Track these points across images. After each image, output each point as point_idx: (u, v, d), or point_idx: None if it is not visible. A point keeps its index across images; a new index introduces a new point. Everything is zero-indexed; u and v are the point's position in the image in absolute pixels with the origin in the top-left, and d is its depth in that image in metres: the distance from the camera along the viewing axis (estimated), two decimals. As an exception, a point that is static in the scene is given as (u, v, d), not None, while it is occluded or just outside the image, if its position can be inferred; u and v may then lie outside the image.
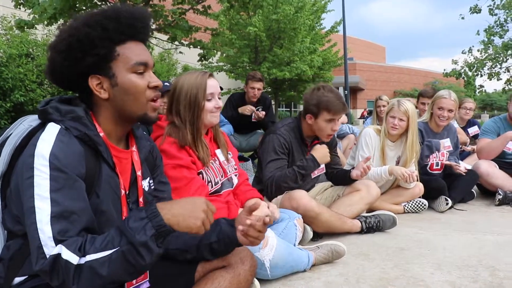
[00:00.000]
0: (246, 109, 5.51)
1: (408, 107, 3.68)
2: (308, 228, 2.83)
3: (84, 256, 1.19)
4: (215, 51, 8.43)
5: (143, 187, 1.56)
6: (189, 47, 7.87)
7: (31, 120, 1.44)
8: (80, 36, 1.34)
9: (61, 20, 6.06)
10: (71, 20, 1.40)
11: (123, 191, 1.48)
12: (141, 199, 1.55)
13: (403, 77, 46.57)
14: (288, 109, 34.01)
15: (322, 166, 3.29)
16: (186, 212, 1.28)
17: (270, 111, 6.05)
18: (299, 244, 2.68)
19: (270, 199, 3.04)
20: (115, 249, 1.20)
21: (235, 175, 2.54)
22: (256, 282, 2.00)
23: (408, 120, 3.67)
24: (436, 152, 4.13)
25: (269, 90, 18.52)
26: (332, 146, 3.46)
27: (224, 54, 14.57)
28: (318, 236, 3.01)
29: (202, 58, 8.31)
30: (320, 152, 3.09)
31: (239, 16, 15.46)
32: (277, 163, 3.08)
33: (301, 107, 37.07)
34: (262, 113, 5.62)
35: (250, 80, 5.73)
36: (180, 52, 8.85)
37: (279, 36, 15.94)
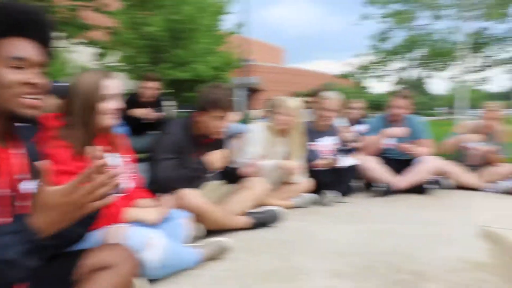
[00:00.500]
0: (140, 113, 5.44)
1: (293, 104, 3.89)
2: (197, 226, 2.88)
3: None
4: (113, 51, 8.20)
5: (24, 190, 1.49)
6: (85, 46, 7.58)
7: None
8: None
9: None
10: None
11: (4, 191, 1.41)
12: (28, 202, 1.48)
13: (301, 78, 48.02)
14: (188, 110, 33.85)
15: None
16: (60, 213, 1.22)
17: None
18: (188, 242, 2.71)
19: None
20: None
21: (129, 180, 2.51)
22: (144, 282, 2.01)
23: (293, 116, 3.86)
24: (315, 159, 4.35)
25: (169, 91, 18.29)
26: (223, 146, 3.54)
27: (122, 54, 14.19)
28: (208, 233, 3.06)
29: (99, 58, 8.04)
30: (213, 157, 3.15)
31: (138, 15, 15.10)
32: (168, 163, 3.09)
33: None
34: (157, 115, 5.58)
35: (145, 80, 5.68)
36: (74, 51, 8.48)
37: (179, 36, 15.81)
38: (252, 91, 37.29)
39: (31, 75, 1.41)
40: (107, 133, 2.41)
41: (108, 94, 2.26)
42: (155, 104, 5.82)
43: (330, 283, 2.27)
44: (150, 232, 2.20)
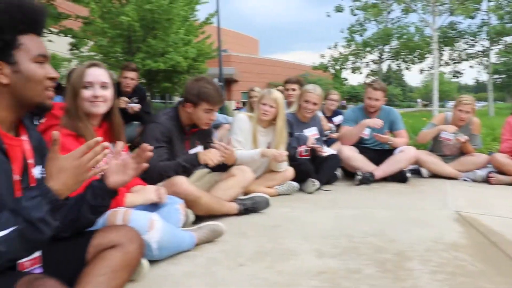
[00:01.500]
0: (120, 102, 5.49)
1: (277, 95, 4.05)
2: (189, 211, 3.00)
3: None
4: (86, 41, 8.18)
5: (35, 174, 1.61)
6: (59, 35, 7.55)
7: None
8: None
9: None
10: None
11: (16, 177, 1.52)
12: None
13: (276, 69, 48.32)
14: (163, 101, 33.62)
15: None
16: (72, 176, 1.39)
17: (146, 103, 6.09)
18: (182, 227, 2.83)
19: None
20: (12, 228, 1.26)
21: None
22: (145, 262, 2.14)
23: (277, 107, 4.02)
24: (303, 145, 4.51)
25: (144, 81, 18.18)
26: (209, 135, 3.69)
27: (95, 44, 14.03)
28: (199, 219, 3.19)
29: (73, 48, 8.01)
30: (205, 155, 3.28)
31: (111, 4, 14.94)
32: (158, 151, 3.20)
33: (175, 98, 36.56)
34: (137, 106, 5.65)
35: (123, 70, 5.75)
36: (49, 41, 8.42)
37: (153, 26, 15.68)
38: (228, 81, 37.28)
39: (50, 70, 1.56)
40: (107, 122, 2.52)
41: (89, 82, 2.40)
42: (134, 94, 5.89)
43: (319, 262, 2.44)
44: (152, 215, 2.32)
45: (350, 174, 4.99)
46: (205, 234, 2.73)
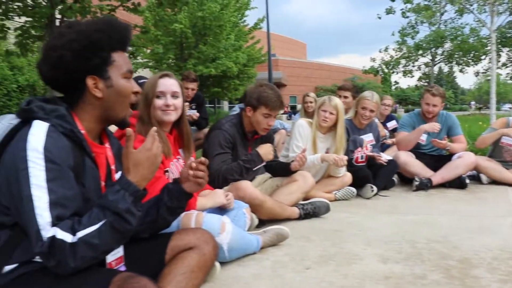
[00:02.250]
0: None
1: (338, 102, 4.10)
2: (254, 216, 3.11)
3: (75, 233, 1.35)
4: (144, 49, 8.48)
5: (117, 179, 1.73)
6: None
7: (10, 119, 1.56)
8: (93, 40, 1.53)
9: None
10: (77, 24, 1.59)
11: (102, 182, 1.66)
12: None
13: (323, 73, 48.09)
14: (212, 105, 34.14)
15: None
16: (147, 166, 1.52)
17: (203, 109, 6.26)
18: (246, 230, 2.94)
19: None
20: (102, 222, 1.39)
21: None
22: (217, 263, 2.25)
23: (337, 114, 4.07)
24: (360, 147, 4.54)
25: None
26: (270, 141, 3.78)
27: (149, 51, 14.47)
28: (262, 223, 3.29)
29: (131, 56, 8.31)
30: (265, 149, 3.40)
31: (164, 13, 15.40)
32: (222, 157, 3.33)
33: (224, 103, 36.67)
34: (196, 115, 5.81)
35: (184, 80, 5.87)
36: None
37: (205, 33, 16.07)
38: (276, 86, 37.32)
39: (135, 84, 1.71)
40: (176, 130, 2.68)
41: (161, 91, 2.55)
42: (192, 101, 6.06)
43: (384, 267, 2.48)
44: (223, 218, 2.44)
45: (407, 180, 4.97)
46: (270, 238, 2.82)
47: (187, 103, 5.73)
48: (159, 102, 2.54)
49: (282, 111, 5.30)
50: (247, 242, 2.63)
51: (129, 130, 1.52)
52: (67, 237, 1.34)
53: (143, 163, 1.51)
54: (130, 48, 8.07)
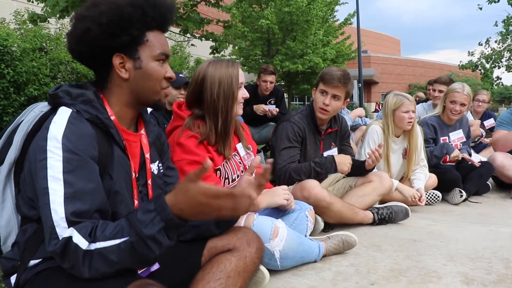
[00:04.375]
0: (259, 110, 5.50)
1: (413, 102, 3.67)
2: (319, 218, 2.81)
3: (94, 242, 1.21)
4: (227, 44, 8.42)
5: (152, 169, 1.58)
6: (201, 40, 7.86)
7: (42, 107, 1.47)
8: (124, 15, 1.39)
9: (73, 13, 6.06)
10: None
11: (134, 174, 1.50)
12: (149, 181, 1.56)
13: (418, 70, 46.13)
14: (302, 103, 33.87)
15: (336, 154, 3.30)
16: (194, 210, 1.21)
17: (282, 104, 6.04)
18: (310, 235, 2.66)
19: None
20: (124, 239, 1.21)
21: None
22: (266, 271, 1.99)
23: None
24: (447, 155, 4.03)
25: (282, 83, 18.43)
26: (345, 137, 3.46)
27: (237, 47, 14.54)
28: (329, 227, 2.99)
29: (214, 51, 8.29)
30: (341, 159, 3.08)
31: (251, 9, 15.40)
32: (290, 151, 3.07)
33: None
34: (276, 110, 5.60)
35: (262, 73, 5.73)
36: (192, 45, 8.85)
37: (292, 28, 15.82)
38: (367, 83, 36.47)
39: (169, 69, 1.52)
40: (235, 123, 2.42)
41: (241, 82, 2.27)
42: (271, 95, 5.86)
43: (467, 289, 2.08)
44: (277, 222, 2.17)
45: (504, 185, 4.39)
46: (335, 245, 2.52)
47: (263, 106, 5.54)
48: (240, 93, 2.24)
49: (373, 110, 4.93)
50: (306, 249, 2.34)
51: (208, 162, 1.15)
52: (83, 243, 1.20)
53: (190, 201, 1.19)
54: (213, 44, 8.06)
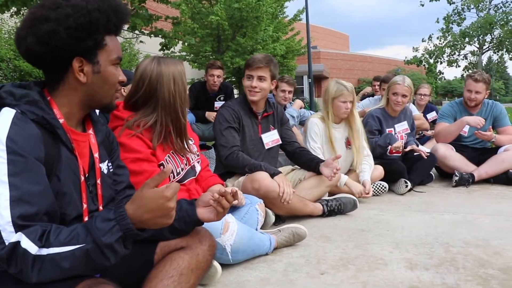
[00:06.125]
0: (211, 117, 5.48)
1: (351, 89, 3.77)
2: (270, 212, 2.85)
3: (46, 247, 1.18)
4: (176, 40, 8.33)
5: (101, 169, 1.56)
6: (150, 37, 7.76)
7: None
8: (92, 20, 1.37)
9: (13, 8, 5.82)
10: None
11: (82, 174, 1.48)
12: (99, 181, 1.54)
13: (366, 65, 47.02)
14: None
15: (277, 137, 3.44)
16: (154, 214, 1.26)
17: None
18: (261, 228, 2.69)
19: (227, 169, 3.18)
20: (79, 246, 1.20)
21: (198, 162, 2.51)
22: (218, 266, 2.02)
23: (352, 100, 3.77)
24: (389, 145, 4.18)
25: (233, 79, 18.43)
26: (283, 121, 3.61)
27: (186, 44, 14.41)
28: (281, 220, 3.03)
29: (164, 48, 8.20)
30: (284, 178, 3.04)
31: (201, 5, 15.31)
32: (231, 131, 3.19)
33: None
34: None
35: (209, 68, 5.72)
36: (141, 42, 8.69)
37: (242, 24, 15.85)
38: (317, 78, 36.92)
39: (121, 73, 1.53)
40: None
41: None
42: (220, 92, 5.86)
43: (411, 274, 2.17)
44: (227, 216, 2.19)
45: (446, 175, 4.58)
46: (286, 238, 2.56)
47: (212, 113, 5.53)
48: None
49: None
50: (257, 243, 2.38)
51: (168, 167, 1.27)
52: (32, 248, 1.17)
53: (153, 209, 1.24)
54: (162, 40, 7.96)
